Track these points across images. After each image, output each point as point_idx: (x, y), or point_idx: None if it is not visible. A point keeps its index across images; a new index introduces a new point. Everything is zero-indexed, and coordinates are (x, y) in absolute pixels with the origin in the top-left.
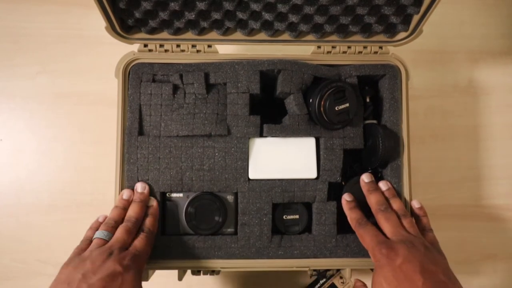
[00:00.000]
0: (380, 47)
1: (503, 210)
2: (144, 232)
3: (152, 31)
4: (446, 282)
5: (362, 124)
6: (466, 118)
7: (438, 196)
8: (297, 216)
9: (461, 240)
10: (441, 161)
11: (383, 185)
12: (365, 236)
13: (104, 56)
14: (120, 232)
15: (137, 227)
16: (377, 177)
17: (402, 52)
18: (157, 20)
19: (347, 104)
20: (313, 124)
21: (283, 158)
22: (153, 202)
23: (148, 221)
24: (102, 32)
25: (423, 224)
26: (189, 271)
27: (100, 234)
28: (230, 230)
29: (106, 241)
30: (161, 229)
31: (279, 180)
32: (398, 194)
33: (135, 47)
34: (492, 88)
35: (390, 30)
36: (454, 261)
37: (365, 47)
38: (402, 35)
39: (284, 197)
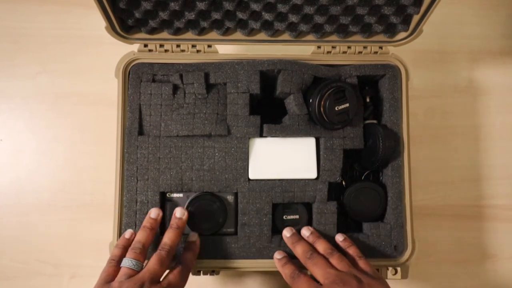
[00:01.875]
0: (380, 47)
1: (503, 210)
2: (181, 265)
3: (152, 31)
4: None
5: (362, 124)
6: (466, 118)
7: (438, 196)
8: (297, 216)
9: (461, 240)
10: (441, 161)
11: (305, 231)
12: (302, 286)
13: (104, 56)
14: (152, 262)
15: (171, 256)
16: (378, 177)
17: (402, 52)
18: (157, 20)
19: (347, 104)
20: (313, 124)
21: (283, 158)
22: (196, 238)
23: (188, 256)
24: (102, 32)
25: (351, 254)
26: None
27: (128, 263)
28: (230, 230)
29: (135, 271)
30: (161, 229)
31: (279, 180)
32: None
33: (135, 47)
34: (492, 88)
35: (390, 30)
36: (454, 261)
37: (365, 47)
38: (402, 35)
39: (284, 197)
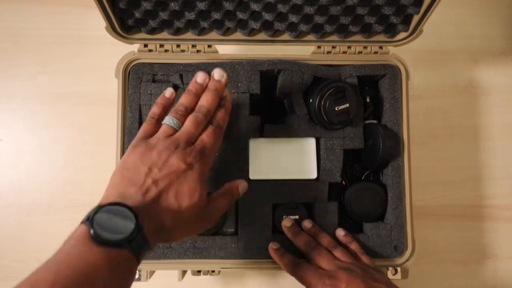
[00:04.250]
0: (380, 47)
1: (503, 210)
2: (213, 125)
3: (152, 31)
4: None
5: (362, 124)
6: (466, 118)
7: (438, 196)
8: (297, 217)
9: (461, 240)
10: (441, 161)
11: (306, 223)
12: (305, 275)
13: (104, 56)
14: (188, 124)
15: (207, 119)
16: (378, 177)
17: (402, 52)
18: (157, 20)
19: (347, 104)
20: (313, 124)
21: (283, 158)
22: (227, 93)
23: (220, 114)
24: (102, 32)
25: (353, 250)
26: (189, 271)
27: (169, 120)
28: (231, 230)
29: (174, 130)
30: None
31: (279, 180)
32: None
33: (135, 47)
34: (492, 88)
35: (390, 30)
36: (454, 261)
37: (365, 47)
38: (402, 35)
39: (284, 198)
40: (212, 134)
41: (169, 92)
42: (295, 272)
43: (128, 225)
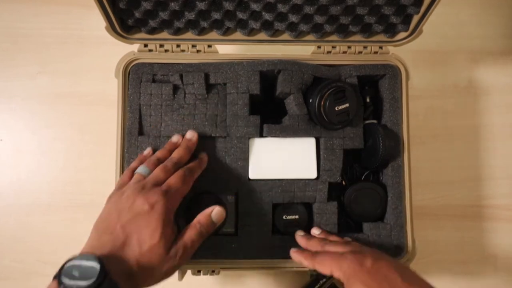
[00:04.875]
0: (380, 47)
1: (503, 210)
2: (182, 170)
3: (152, 31)
4: (415, 274)
5: (362, 124)
6: (466, 118)
7: (438, 196)
8: (296, 217)
9: (461, 240)
10: (441, 161)
11: (315, 230)
12: (325, 259)
13: (104, 56)
14: (157, 170)
15: (175, 168)
16: (378, 177)
17: (402, 52)
18: (157, 20)
19: (347, 104)
20: (313, 124)
21: (283, 158)
22: (204, 156)
23: (192, 164)
24: (102, 32)
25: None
26: (189, 271)
27: (140, 169)
28: (230, 230)
29: (144, 177)
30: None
31: (279, 180)
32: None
33: (135, 47)
34: (492, 88)
35: (390, 30)
36: (454, 261)
37: (365, 47)
38: (402, 35)
39: (284, 198)
40: (179, 177)
41: (147, 151)
42: (315, 258)
43: (94, 271)
